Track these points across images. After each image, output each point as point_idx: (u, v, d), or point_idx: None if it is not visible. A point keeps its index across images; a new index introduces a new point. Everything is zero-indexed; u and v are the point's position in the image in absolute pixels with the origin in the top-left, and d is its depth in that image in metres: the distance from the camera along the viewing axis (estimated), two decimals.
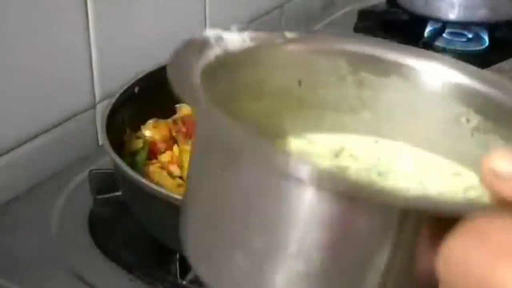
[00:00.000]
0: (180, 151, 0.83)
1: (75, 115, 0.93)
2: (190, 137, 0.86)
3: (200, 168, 0.43)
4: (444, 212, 0.34)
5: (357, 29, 1.30)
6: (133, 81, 0.83)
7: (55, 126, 0.91)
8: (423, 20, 1.23)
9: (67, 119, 0.92)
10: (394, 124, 0.50)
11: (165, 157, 0.82)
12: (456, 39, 1.22)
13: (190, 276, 0.73)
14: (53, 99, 0.90)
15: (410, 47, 0.50)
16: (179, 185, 0.78)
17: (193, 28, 1.11)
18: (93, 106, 0.95)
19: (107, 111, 0.77)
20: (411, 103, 0.50)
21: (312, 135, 0.50)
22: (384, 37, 1.09)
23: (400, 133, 0.50)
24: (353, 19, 1.33)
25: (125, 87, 0.82)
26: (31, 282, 0.73)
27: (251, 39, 0.47)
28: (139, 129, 0.84)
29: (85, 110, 0.95)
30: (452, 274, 0.34)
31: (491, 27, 1.22)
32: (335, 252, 0.37)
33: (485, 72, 0.49)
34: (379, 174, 0.47)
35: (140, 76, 0.84)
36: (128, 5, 0.97)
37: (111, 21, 0.94)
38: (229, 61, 0.46)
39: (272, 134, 0.49)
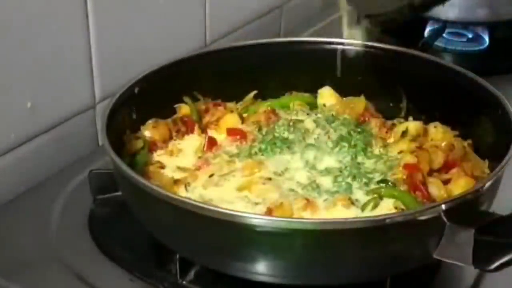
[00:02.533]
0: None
1: (75, 115, 0.93)
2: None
3: None
4: None
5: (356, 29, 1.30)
6: (133, 81, 0.83)
7: (55, 126, 0.91)
8: (423, 20, 1.23)
9: (67, 119, 0.92)
10: None
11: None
12: (456, 39, 1.22)
13: (190, 276, 0.73)
14: (53, 99, 0.90)
15: None
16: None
17: (193, 28, 1.11)
18: (93, 106, 0.95)
19: (107, 111, 0.77)
20: None
21: None
22: (384, 37, 1.09)
23: None
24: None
25: (125, 87, 0.82)
26: (31, 282, 0.73)
27: None
28: (139, 129, 0.84)
29: (85, 110, 0.95)
30: None
31: (491, 27, 1.22)
32: None
33: None
34: None
35: (140, 76, 0.84)
36: (128, 5, 0.97)
37: (111, 21, 0.94)
38: None
39: None
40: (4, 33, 0.81)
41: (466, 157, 0.81)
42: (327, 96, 0.92)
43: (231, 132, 0.85)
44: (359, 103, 0.90)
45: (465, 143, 0.82)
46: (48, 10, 0.85)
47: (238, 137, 0.84)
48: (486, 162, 0.79)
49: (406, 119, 0.89)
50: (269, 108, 0.89)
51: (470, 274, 0.73)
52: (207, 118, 0.88)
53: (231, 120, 0.87)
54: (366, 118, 0.88)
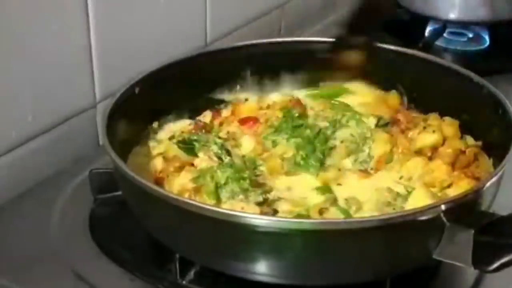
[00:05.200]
0: None
1: (75, 115, 0.93)
2: None
3: None
4: None
5: (357, 29, 1.30)
6: (133, 81, 0.83)
7: (55, 126, 0.91)
8: (423, 20, 1.23)
9: (67, 119, 0.92)
10: None
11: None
12: (456, 38, 1.22)
13: (189, 276, 0.73)
14: (54, 99, 0.90)
15: None
16: None
17: (194, 28, 1.11)
18: (94, 106, 0.95)
19: (108, 111, 0.77)
20: None
21: None
22: (385, 37, 1.09)
23: None
24: (353, 19, 1.33)
25: (125, 87, 0.82)
26: (31, 282, 0.73)
27: None
28: (139, 129, 0.84)
29: (86, 110, 0.95)
30: None
31: (491, 27, 1.22)
32: None
33: None
34: None
35: (140, 76, 0.84)
36: (128, 5, 0.97)
37: (111, 21, 0.94)
38: None
39: None
40: (4, 33, 0.81)
41: (475, 160, 0.79)
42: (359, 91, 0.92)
43: (244, 120, 0.85)
44: (393, 98, 0.90)
45: (477, 144, 0.81)
46: (48, 10, 0.86)
47: (251, 123, 0.85)
48: (491, 160, 0.79)
49: None
50: (294, 97, 0.89)
51: (470, 274, 0.73)
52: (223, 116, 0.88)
53: (249, 108, 0.88)
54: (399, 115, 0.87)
